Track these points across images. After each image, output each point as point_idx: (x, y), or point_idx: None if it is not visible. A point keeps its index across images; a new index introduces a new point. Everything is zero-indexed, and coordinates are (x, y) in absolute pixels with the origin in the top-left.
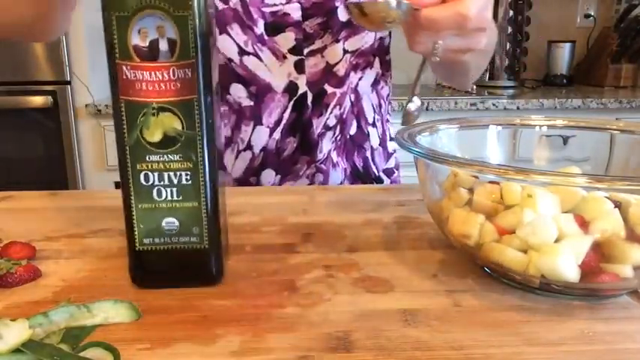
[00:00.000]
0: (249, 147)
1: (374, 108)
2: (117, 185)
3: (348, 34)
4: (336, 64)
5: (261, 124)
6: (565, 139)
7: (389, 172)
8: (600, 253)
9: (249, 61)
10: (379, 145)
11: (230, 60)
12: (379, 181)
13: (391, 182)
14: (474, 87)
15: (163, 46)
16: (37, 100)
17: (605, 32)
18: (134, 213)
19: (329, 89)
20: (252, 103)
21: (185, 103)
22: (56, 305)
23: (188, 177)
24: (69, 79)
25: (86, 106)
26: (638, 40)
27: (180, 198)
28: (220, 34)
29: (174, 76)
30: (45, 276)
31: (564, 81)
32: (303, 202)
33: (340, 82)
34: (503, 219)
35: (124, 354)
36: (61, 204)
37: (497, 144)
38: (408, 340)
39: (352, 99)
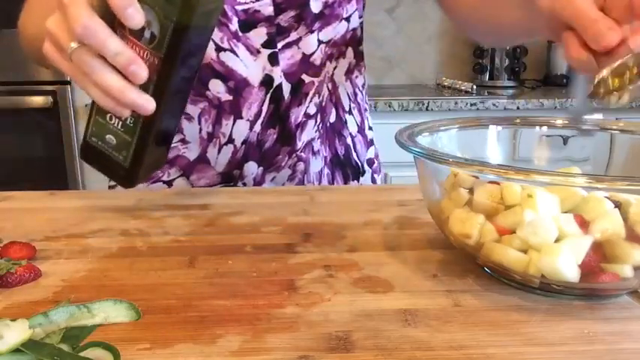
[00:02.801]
0: (230, 141)
1: (349, 96)
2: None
3: (322, 24)
4: (312, 54)
5: (241, 118)
6: (565, 139)
7: (370, 162)
8: (600, 253)
9: (226, 57)
10: (357, 132)
11: (207, 57)
12: (360, 169)
13: (372, 172)
14: (474, 87)
15: (147, 33)
16: (37, 100)
17: None
18: (92, 119)
19: (307, 79)
20: (231, 98)
21: (145, 83)
22: (56, 305)
23: (131, 122)
24: (69, 79)
25: (86, 105)
26: None
27: (122, 130)
28: None
29: (145, 57)
30: (45, 276)
31: (564, 81)
32: (303, 202)
33: (317, 71)
34: (503, 219)
35: (124, 354)
36: (61, 204)
37: (497, 144)
38: (408, 340)
39: (329, 87)
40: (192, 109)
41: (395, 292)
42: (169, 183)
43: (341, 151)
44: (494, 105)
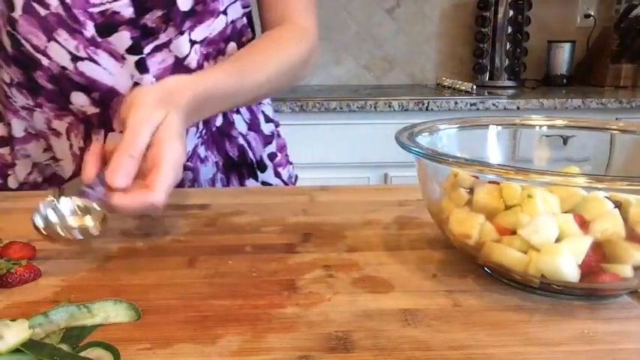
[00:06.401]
0: None
1: None
2: None
3: (193, 23)
4: (186, 57)
5: (114, 130)
6: (565, 139)
7: (271, 156)
8: (600, 253)
9: (85, 67)
10: (249, 130)
11: (64, 68)
12: (261, 166)
13: (275, 166)
14: (474, 87)
15: None
16: None
17: (605, 32)
18: None
19: None
20: (98, 110)
21: None
22: (56, 305)
23: None
24: None
25: None
26: (638, 40)
27: None
28: (48, 41)
29: None
30: (45, 276)
31: (564, 81)
32: (303, 202)
33: None
34: (503, 219)
35: (124, 354)
36: None
37: (497, 144)
38: (408, 340)
39: None
40: (58, 125)
41: (395, 292)
42: None
43: (233, 152)
44: (494, 105)
